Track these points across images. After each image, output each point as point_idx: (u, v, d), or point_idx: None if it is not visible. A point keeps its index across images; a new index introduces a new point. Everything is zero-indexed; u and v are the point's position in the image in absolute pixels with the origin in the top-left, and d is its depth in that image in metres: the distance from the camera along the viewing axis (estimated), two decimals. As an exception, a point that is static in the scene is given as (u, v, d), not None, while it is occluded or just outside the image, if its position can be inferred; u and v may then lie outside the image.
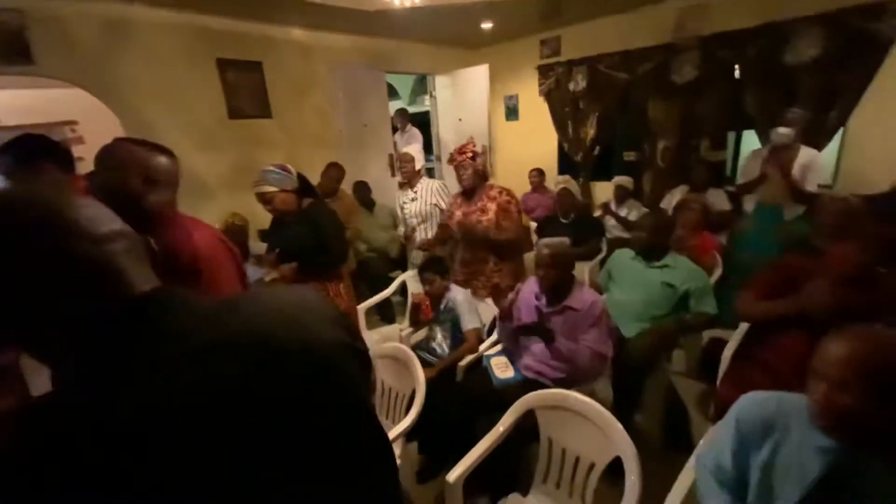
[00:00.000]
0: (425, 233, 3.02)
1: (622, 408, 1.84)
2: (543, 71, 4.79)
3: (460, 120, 5.12)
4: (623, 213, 3.73)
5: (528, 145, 5.20)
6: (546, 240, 1.91)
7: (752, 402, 1.02)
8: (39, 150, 1.38)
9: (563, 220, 3.59)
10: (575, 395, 1.39)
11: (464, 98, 4.99)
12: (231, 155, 3.52)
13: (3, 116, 3.95)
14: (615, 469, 1.25)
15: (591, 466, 1.33)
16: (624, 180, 3.79)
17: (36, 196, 0.48)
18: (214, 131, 3.42)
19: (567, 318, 1.80)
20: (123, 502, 0.40)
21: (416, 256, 3.04)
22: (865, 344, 0.81)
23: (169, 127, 3.14)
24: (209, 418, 0.45)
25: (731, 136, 4.05)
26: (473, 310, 2.19)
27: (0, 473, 0.40)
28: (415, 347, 2.12)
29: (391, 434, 1.53)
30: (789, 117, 2.73)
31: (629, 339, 2.01)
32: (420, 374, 1.68)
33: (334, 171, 3.43)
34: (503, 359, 1.95)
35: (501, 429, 1.46)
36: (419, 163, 2.75)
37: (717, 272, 2.68)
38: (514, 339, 1.93)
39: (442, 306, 2.21)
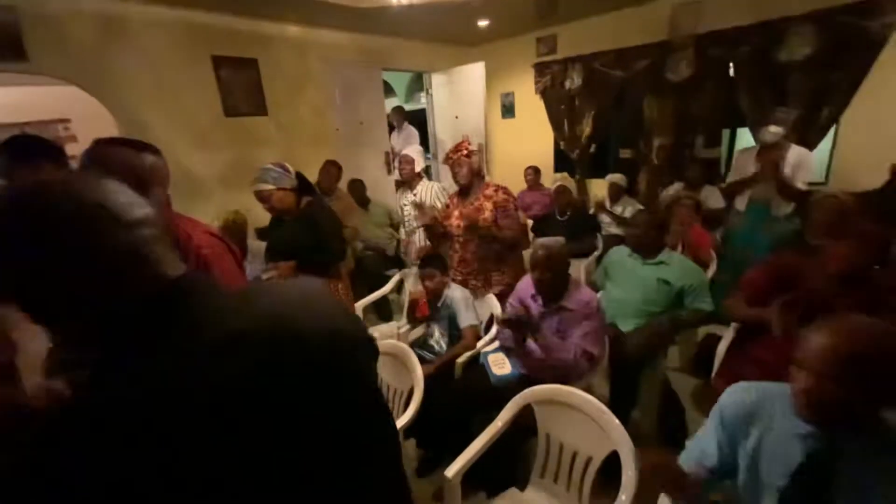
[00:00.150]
0: (423, 236, 3.03)
1: (619, 403, 1.86)
2: (539, 69, 4.80)
3: (456, 118, 5.12)
4: (618, 210, 3.75)
5: (524, 143, 5.21)
6: (541, 240, 1.90)
7: (736, 393, 1.04)
8: (36, 149, 1.38)
9: (560, 218, 3.61)
10: (572, 391, 1.41)
11: (460, 96, 4.98)
12: (227, 153, 3.51)
13: (-5, 114, 3.91)
14: (612, 463, 1.27)
15: (589, 461, 1.35)
16: (617, 178, 3.81)
17: (72, 183, 0.49)
18: (210, 129, 3.40)
19: (562, 317, 1.81)
20: (157, 484, 0.41)
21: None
22: (846, 335, 0.83)
23: (164, 125, 3.12)
24: (239, 400, 0.46)
25: (726, 133, 4.08)
26: (471, 307, 2.21)
27: (37, 458, 0.40)
28: (412, 345, 2.13)
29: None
30: (778, 116, 2.76)
31: (625, 335, 2.03)
32: (418, 372, 1.69)
33: (333, 170, 3.43)
34: (500, 356, 1.96)
35: (500, 424, 1.48)
36: (419, 164, 2.74)
37: (713, 268, 2.71)
38: (511, 339, 1.93)
39: (440, 303, 2.22)
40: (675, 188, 3.59)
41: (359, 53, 4.34)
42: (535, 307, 1.86)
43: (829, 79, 3.15)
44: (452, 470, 1.36)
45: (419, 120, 5.46)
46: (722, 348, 1.93)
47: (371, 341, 0.65)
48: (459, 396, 1.83)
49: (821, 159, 3.41)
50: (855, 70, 3.07)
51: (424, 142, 5.35)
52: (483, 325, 2.27)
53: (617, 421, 1.28)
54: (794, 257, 1.66)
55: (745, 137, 3.86)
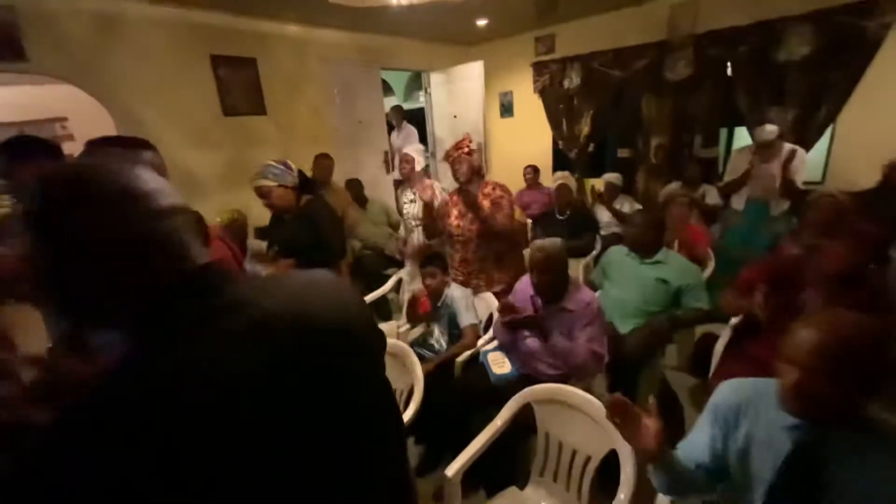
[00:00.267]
0: (422, 235, 3.02)
1: (617, 402, 1.87)
2: (538, 68, 4.80)
3: (455, 117, 5.12)
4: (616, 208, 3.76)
5: (523, 142, 5.22)
6: (538, 242, 1.88)
7: (726, 390, 1.06)
8: (36, 149, 1.38)
9: (560, 217, 3.61)
10: (572, 390, 1.42)
11: (459, 95, 4.99)
12: (225, 152, 3.50)
13: (-8, 113, 3.89)
14: (611, 461, 1.28)
15: (588, 459, 1.36)
16: (613, 177, 3.81)
17: (109, 169, 0.49)
18: (208, 128, 3.40)
19: (563, 318, 1.81)
20: (189, 467, 0.42)
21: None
22: (831, 329, 0.84)
23: (162, 124, 3.12)
24: (263, 385, 0.47)
25: (724, 132, 4.09)
26: (471, 306, 2.21)
27: (69, 440, 0.41)
28: (412, 344, 2.13)
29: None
30: (771, 116, 2.78)
31: (623, 335, 2.04)
32: (418, 370, 1.70)
33: (326, 162, 3.42)
34: (500, 355, 1.97)
35: (499, 423, 1.48)
36: (419, 163, 2.74)
37: (711, 266, 2.72)
38: (510, 335, 1.94)
39: (440, 303, 2.22)
40: (673, 187, 3.60)
41: (357, 53, 4.34)
42: (536, 306, 1.87)
43: (826, 78, 3.16)
44: (453, 469, 1.36)
45: (418, 119, 5.46)
46: (719, 347, 1.94)
47: (381, 332, 0.68)
48: (459, 395, 1.84)
49: (818, 159, 3.42)
50: (852, 70, 3.09)
51: (423, 141, 5.34)
52: (482, 325, 2.28)
53: (616, 420, 1.28)
54: (790, 256, 1.68)
55: (743, 137, 3.87)
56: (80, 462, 0.39)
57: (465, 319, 2.15)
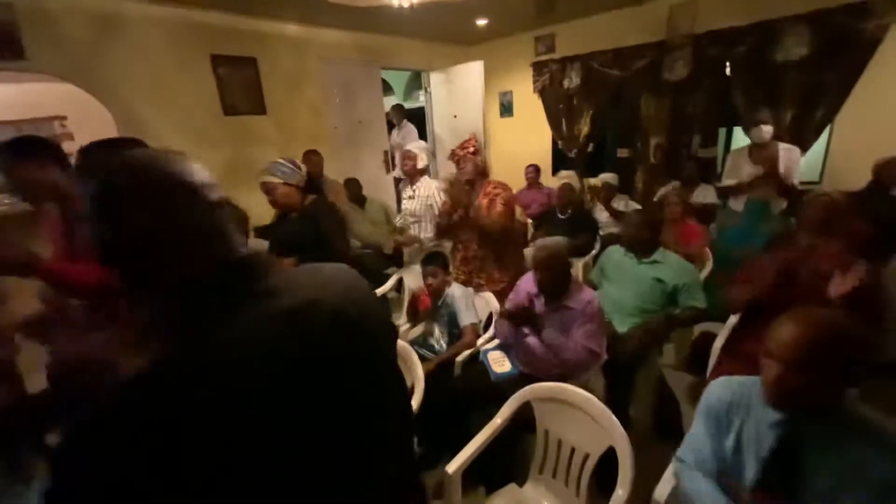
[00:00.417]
0: (419, 231, 3.03)
1: (615, 400, 1.88)
2: (538, 68, 4.81)
3: (455, 116, 5.13)
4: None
5: (523, 142, 5.23)
6: (541, 241, 1.93)
7: (717, 389, 1.08)
8: (39, 148, 1.39)
9: (561, 216, 3.62)
10: (571, 388, 1.43)
11: (458, 94, 4.99)
12: (225, 152, 3.51)
13: (-9, 111, 3.88)
14: (609, 459, 1.29)
15: (586, 457, 1.38)
16: (609, 177, 3.82)
17: (165, 160, 0.53)
18: (208, 128, 3.40)
19: (563, 315, 1.83)
20: (229, 447, 0.44)
21: (412, 254, 3.04)
22: (808, 325, 0.88)
23: (162, 123, 3.12)
24: (298, 369, 0.51)
25: (722, 132, 4.11)
26: (471, 305, 2.22)
27: (115, 422, 0.43)
28: (412, 343, 2.14)
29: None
30: (769, 116, 2.80)
31: (621, 334, 2.06)
32: (419, 369, 1.71)
33: (316, 158, 3.43)
34: (500, 354, 1.98)
35: (499, 421, 1.50)
36: (422, 161, 2.74)
37: (709, 266, 2.74)
38: (511, 334, 1.96)
39: (440, 302, 2.23)
40: (672, 187, 3.61)
41: (357, 52, 4.34)
42: (538, 305, 1.88)
43: (824, 79, 3.18)
44: (453, 466, 1.38)
45: (418, 118, 5.47)
46: (717, 346, 1.96)
47: (393, 324, 0.74)
48: (459, 394, 1.85)
49: (815, 159, 3.44)
50: (850, 70, 3.10)
51: (423, 140, 5.35)
52: (482, 324, 2.29)
53: (614, 418, 1.30)
54: (792, 255, 1.69)
55: (741, 136, 3.88)
56: (95, 458, 0.41)
57: (466, 318, 2.17)
